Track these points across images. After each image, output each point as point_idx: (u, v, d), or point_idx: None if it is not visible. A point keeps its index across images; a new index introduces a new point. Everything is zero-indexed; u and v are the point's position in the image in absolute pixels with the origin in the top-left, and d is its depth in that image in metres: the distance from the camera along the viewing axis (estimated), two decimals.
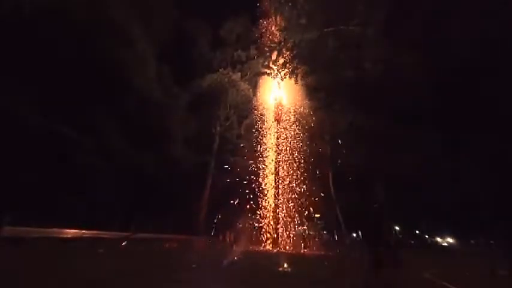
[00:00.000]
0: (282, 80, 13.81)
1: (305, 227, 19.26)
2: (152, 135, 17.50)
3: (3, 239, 7.25)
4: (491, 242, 17.54)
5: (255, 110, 21.62)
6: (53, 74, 12.19)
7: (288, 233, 17.50)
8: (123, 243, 8.38)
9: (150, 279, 5.26)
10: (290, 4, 12.32)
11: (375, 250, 10.75)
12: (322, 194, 19.53)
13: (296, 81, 13.81)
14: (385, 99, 15.13)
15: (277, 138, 18.93)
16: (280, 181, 17.92)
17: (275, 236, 16.20)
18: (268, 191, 18.38)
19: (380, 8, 10.86)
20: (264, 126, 20.18)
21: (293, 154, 19.16)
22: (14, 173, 10.35)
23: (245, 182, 18.57)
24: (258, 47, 20.74)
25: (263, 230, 17.66)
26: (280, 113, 19.68)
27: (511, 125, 14.75)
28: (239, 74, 22.24)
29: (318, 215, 19.82)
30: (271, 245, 15.91)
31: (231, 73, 21.93)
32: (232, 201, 18.39)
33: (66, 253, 7.89)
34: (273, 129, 19.63)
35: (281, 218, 17.23)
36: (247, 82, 22.36)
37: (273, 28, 19.12)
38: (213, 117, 22.43)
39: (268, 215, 17.63)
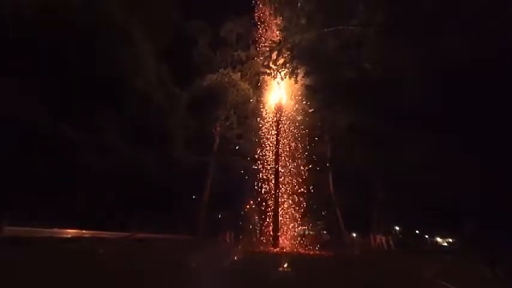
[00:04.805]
0: (282, 80, 13.71)
1: (305, 227, 19.27)
2: (152, 135, 17.51)
3: (3, 239, 7.24)
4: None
5: (255, 110, 21.62)
6: (53, 74, 12.20)
7: (288, 233, 17.48)
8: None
9: (150, 279, 5.26)
10: (290, 4, 12.29)
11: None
12: (322, 194, 19.53)
13: (296, 81, 13.73)
14: (385, 100, 15.10)
15: (277, 138, 18.89)
16: (280, 181, 17.88)
17: (275, 236, 16.17)
18: (268, 190, 18.35)
19: (380, 8, 10.84)
20: (263, 126, 20.15)
21: (293, 154, 19.12)
22: (14, 173, 10.36)
23: (245, 182, 18.57)
24: (258, 47, 20.74)
25: (263, 230, 17.64)
26: (280, 113, 19.64)
27: (511, 125, 14.75)
28: (239, 74, 22.28)
29: (318, 215, 19.85)
30: (271, 245, 15.89)
31: (231, 73, 21.96)
32: (232, 201, 18.37)
33: (66, 253, 7.88)
34: (273, 129, 19.60)
35: (281, 218, 17.20)
36: (247, 82, 22.39)
37: (273, 28, 19.10)
38: (213, 117, 22.44)
39: (268, 215, 17.61)
